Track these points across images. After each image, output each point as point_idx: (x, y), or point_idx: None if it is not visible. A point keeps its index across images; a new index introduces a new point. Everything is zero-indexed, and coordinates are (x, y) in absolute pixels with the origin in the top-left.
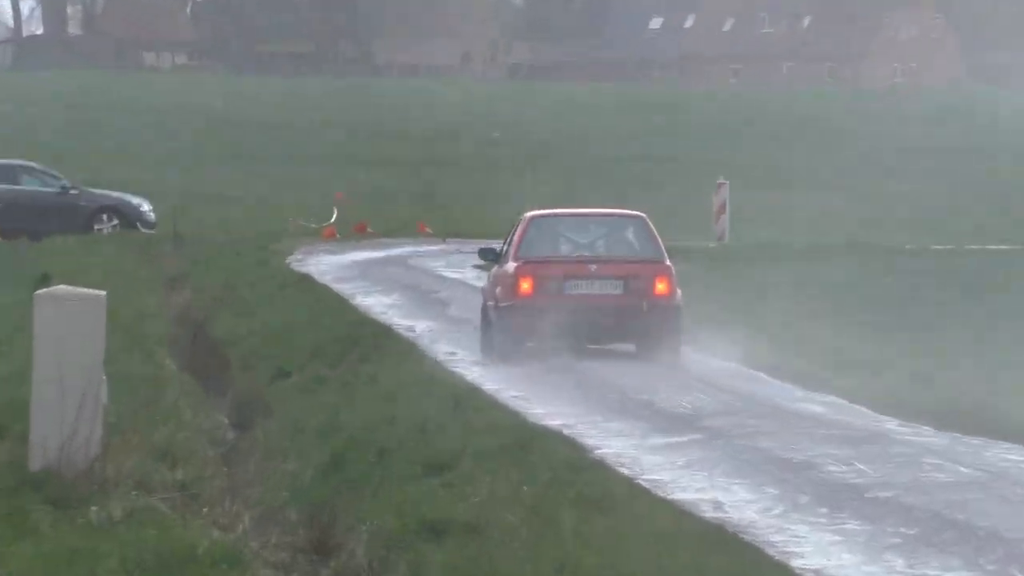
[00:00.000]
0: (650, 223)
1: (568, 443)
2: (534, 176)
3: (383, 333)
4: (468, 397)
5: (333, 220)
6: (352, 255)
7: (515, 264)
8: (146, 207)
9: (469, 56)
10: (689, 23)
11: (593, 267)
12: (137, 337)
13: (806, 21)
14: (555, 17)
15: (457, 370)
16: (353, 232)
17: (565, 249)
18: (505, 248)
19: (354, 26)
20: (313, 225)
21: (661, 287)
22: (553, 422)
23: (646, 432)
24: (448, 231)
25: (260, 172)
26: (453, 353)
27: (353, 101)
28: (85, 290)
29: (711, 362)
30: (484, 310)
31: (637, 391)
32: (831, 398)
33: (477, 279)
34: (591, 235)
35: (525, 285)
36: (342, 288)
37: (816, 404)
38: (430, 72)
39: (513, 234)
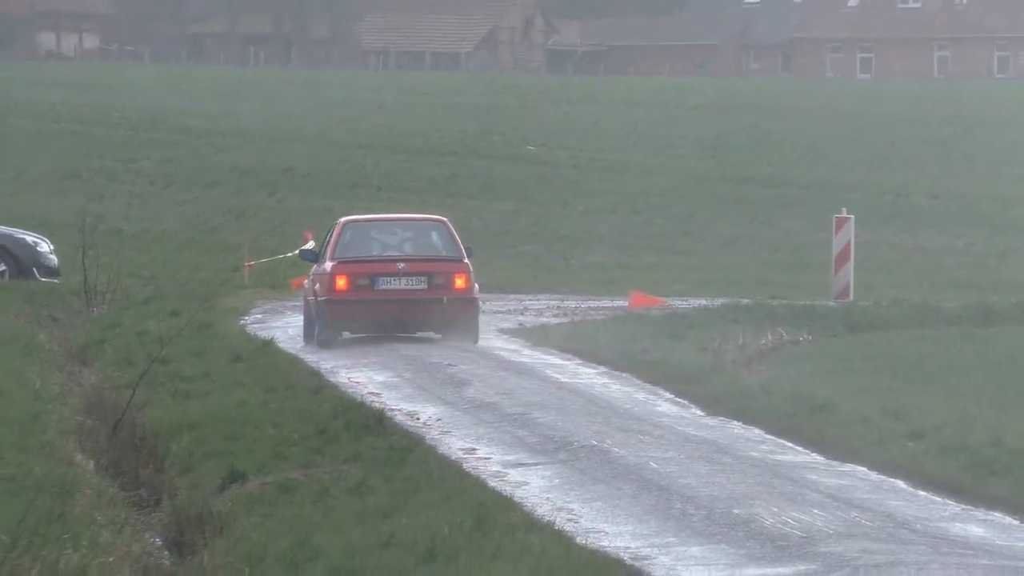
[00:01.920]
0: (451, 226)
1: None
2: (585, 206)
3: (374, 422)
4: (495, 512)
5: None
6: None
7: (331, 263)
8: (45, 247)
9: (494, 38)
10: None
11: (400, 265)
12: (34, 428)
13: None
14: None
15: (479, 474)
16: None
17: (376, 250)
18: (323, 249)
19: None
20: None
21: (460, 283)
22: (611, 544)
23: (737, 561)
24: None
25: (199, 197)
26: (473, 450)
27: (327, 98)
28: None
29: (840, 467)
30: (306, 304)
31: (728, 502)
32: (996, 515)
33: (503, 349)
34: (399, 237)
35: (340, 282)
36: (319, 360)
37: (974, 523)
38: (438, 60)
39: (329, 237)
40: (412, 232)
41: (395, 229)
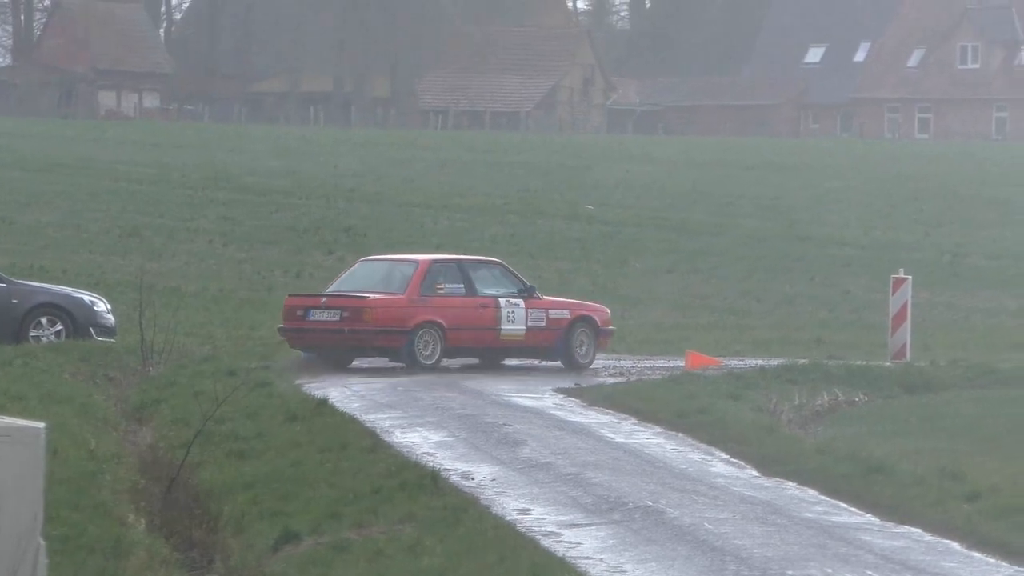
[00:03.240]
0: (426, 267)
1: None
2: (643, 265)
3: (430, 482)
4: (549, 572)
5: None
6: (390, 375)
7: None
8: (102, 306)
9: (553, 98)
10: (860, 55)
11: (323, 300)
12: (88, 488)
13: None
14: (674, 44)
15: (533, 534)
16: None
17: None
18: None
19: (391, 59)
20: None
21: (367, 316)
22: None
23: None
24: None
25: (257, 256)
26: (527, 510)
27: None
28: (15, 421)
29: (894, 529)
30: None
31: (782, 563)
32: None
33: (558, 408)
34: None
35: (283, 314)
36: (374, 420)
37: None
38: (498, 120)
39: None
40: (386, 270)
41: (376, 267)
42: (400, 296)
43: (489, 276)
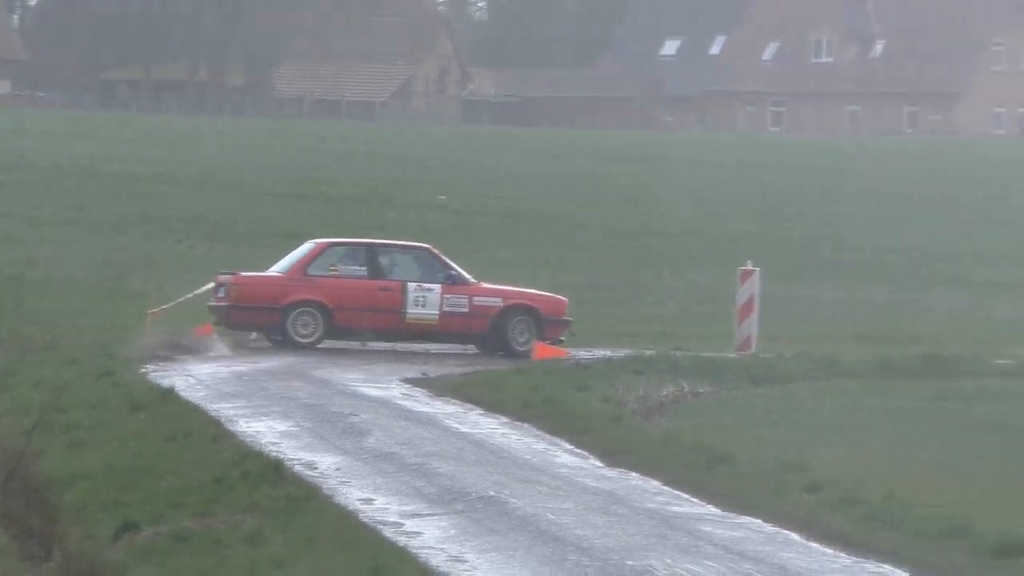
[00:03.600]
0: (315, 251)
1: None
2: (494, 254)
3: (272, 472)
4: (391, 563)
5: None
6: (237, 364)
7: None
8: None
9: (408, 88)
10: (716, 48)
11: (219, 279)
12: None
13: (878, 47)
14: (531, 35)
15: (376, 524)
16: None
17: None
18: None
19: (247, 48)
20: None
21: (238, 294)
22: None
23: None
24: None
25: (106, 244)
26: (370, 500)
27: (250, 143)
28: None
29: (735, 519)
30: None
31: (623, 554)
32: (886, 567)
33: (404, 398)
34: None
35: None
36: (219, 409)
37: None
38: (354, 110)
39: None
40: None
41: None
42: (280, 275)
43: (410, 262)
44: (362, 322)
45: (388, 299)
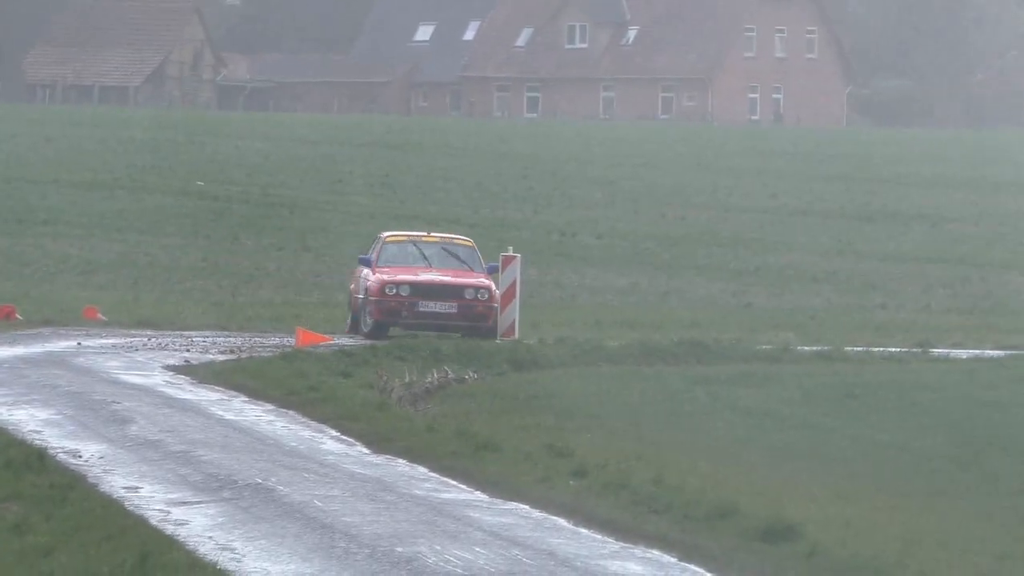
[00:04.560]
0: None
1: None
2: (248, 242)
3: (36, 460)
4: (158, 551)
5: None
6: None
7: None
8: None
9: (162, 73)
10: (469, 34)
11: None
12: None
13: (631, 34)
14: (284, 20)
15: (142, 512)
16: None
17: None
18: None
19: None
20: None
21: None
22: None
23: None
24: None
25: None
26: (136, 488)
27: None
28: None
29: (503, 505)
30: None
31: (391, 540)
32: (655, 552)
33: (168, 385)
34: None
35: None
36: None
37: (633, 561)
38: (107, 95)
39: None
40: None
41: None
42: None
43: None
44: None
45: None
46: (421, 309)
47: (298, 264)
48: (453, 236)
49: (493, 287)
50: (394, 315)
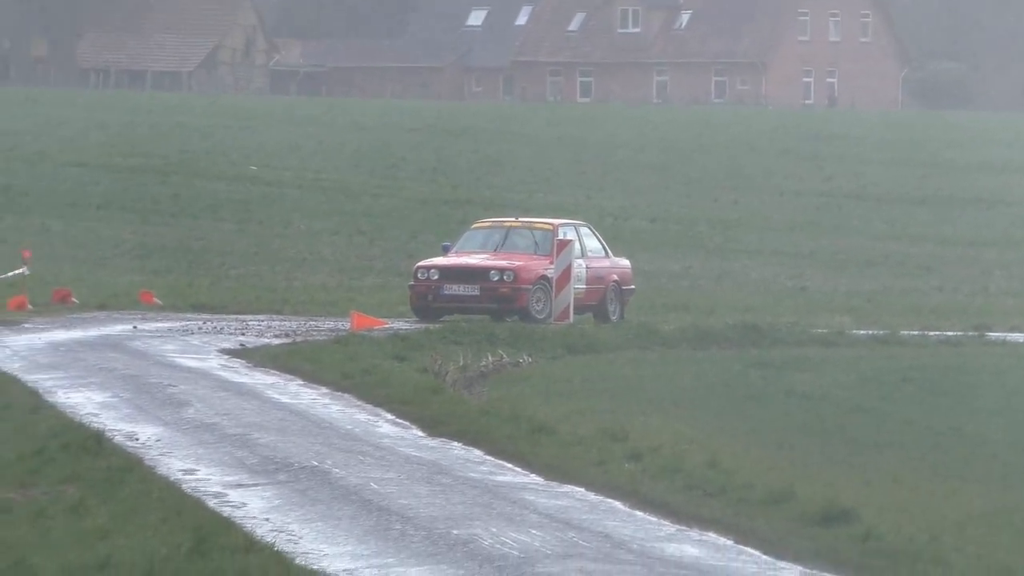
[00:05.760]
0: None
1: None
2: (308, 227)
3: (93, 443)
4: (214, 533)
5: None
6: (52, 334)
7: None
8: None
9: (215, 58)
10: (522, 18)
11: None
12: None
13: (684, 18)
14: (336, 5)
15: (199, 495)
16: (53, 303)
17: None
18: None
19: (45, 19)
20: None
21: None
22: (331, 565)
23: None
24: (191, 302)
25: None
26: (192, 471)
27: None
28: None
29: (558, 488)
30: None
31: (447, 523)
32: (710, 535)
33: (223, 368)
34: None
35: None
36: (36, 380)
37: (689, 544)
38: (160, 81)
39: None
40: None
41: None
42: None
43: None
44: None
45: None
46: (445, 292)
47: (351, 248)
48: (534, 220)
49: (528, 269)
50: (423, 299)
